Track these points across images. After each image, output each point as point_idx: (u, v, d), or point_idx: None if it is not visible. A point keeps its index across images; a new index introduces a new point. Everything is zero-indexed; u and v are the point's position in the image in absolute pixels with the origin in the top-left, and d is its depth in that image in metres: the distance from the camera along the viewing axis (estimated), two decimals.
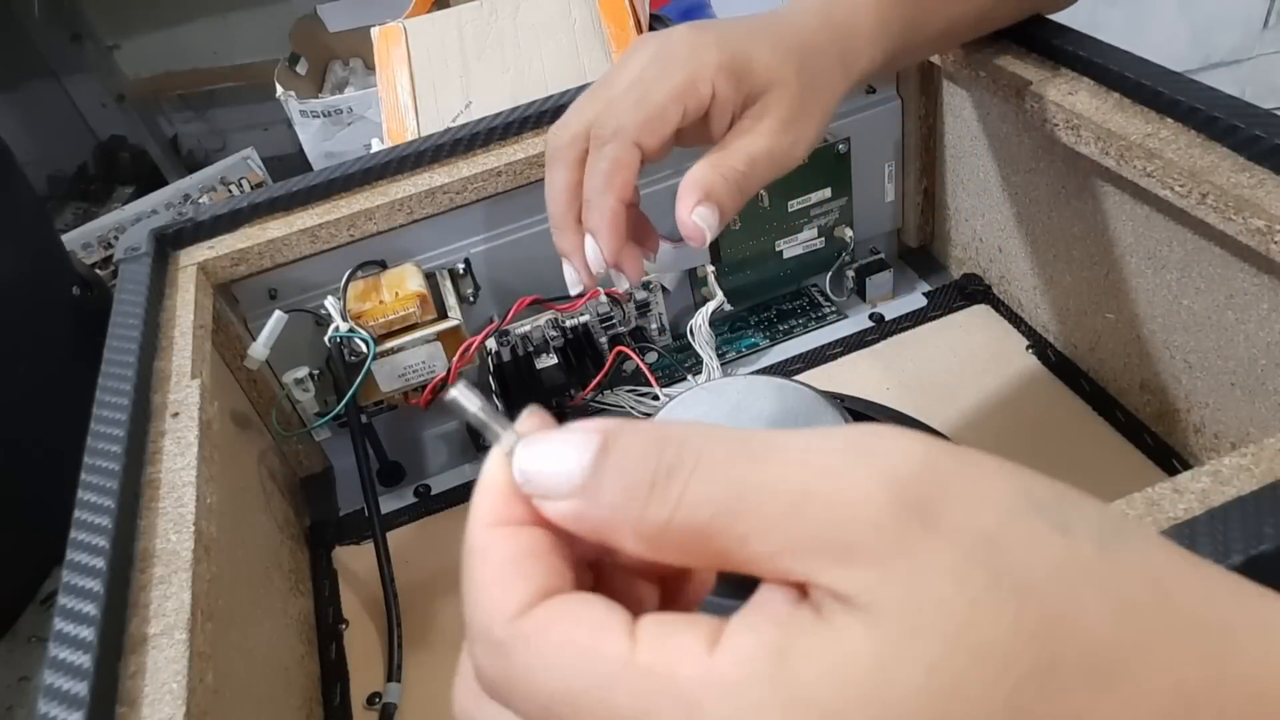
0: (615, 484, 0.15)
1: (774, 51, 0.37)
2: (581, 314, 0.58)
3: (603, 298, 0.57)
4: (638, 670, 0.14)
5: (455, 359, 0.53)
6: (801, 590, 0.14)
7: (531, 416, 0.18)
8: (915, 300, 0.63)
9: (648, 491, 0.15)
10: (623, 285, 0.37)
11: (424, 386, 0.53)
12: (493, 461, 0.17)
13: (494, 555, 0.17)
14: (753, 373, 0.59)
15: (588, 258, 0.37)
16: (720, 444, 0.15)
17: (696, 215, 0.35)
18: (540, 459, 0.16)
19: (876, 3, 0.40)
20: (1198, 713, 0.12)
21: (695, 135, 0.38)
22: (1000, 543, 0.13)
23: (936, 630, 0.13)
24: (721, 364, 0.60)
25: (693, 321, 0.59)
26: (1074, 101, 0.45)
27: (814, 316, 0.64)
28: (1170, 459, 0.48)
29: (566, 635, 0.15)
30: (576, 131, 0.37)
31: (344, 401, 0.51)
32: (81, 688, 0.28)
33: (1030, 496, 0.14)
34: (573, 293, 0.39)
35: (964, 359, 0.57)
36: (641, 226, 0.38)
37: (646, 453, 0.15)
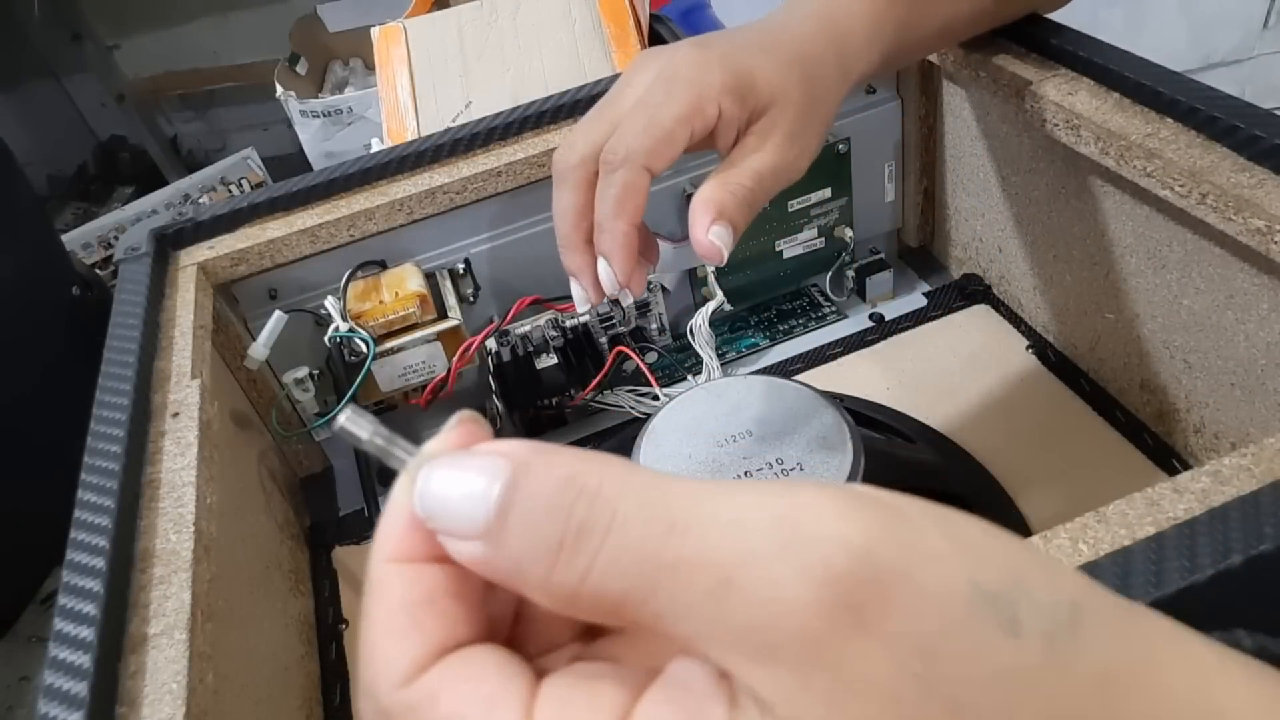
0: (521, 537, 0.14)
1: (776, 66, 0.37)
2: (581, 314, 0.58)
3: None
4: None
5: (455, 359, 0.53)
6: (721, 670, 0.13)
7: (450, 433, 0.16)
8: (915, 300, 0.63)
9: (555, 553, 0.14)
10: (628, 301, 0.37)
11: (424, 386, 0.53)
12: (398, 487, 0.16)
13: (388, 599, 0.15)
14: (753, 373, 0.59)
15: (601, 279, 0.37)
16: (637, 503, 0.13)
17: (713, 235, 0.36)
18: (444, 490, 0.15)
19: (872, 5, 0.40)
20: None
21: (700, 146, 0.38)
22: (938, 652, 0.12)
23: None
24: (721, 364, 0.60)
25: (693, 321, 0.59)
26: (1074, 101, 0.45)
27: (814, 316, 0.64)
28: (1170, 459, 0.48)
29: (456, 709, 0.14)
30: (584, 154, 0.37)
31: (344, 401, 0.51)
32: (81, 688, 0.28)
33: (980, 589, 0.12)
34: (580, 309, 0.40)
35: (964, 359, 0.57)
36: (645, 240, 0.39)
37: (557, 504, 0.14)
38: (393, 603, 0.15)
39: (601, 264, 0.37)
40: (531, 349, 0.57)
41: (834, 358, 0.60)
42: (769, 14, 0.41)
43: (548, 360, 0.57)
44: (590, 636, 0.17)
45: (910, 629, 0.11)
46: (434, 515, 0.15)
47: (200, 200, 1.01)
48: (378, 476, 0.57)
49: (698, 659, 0.13)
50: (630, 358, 0.58)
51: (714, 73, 0.36)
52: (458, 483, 0.15)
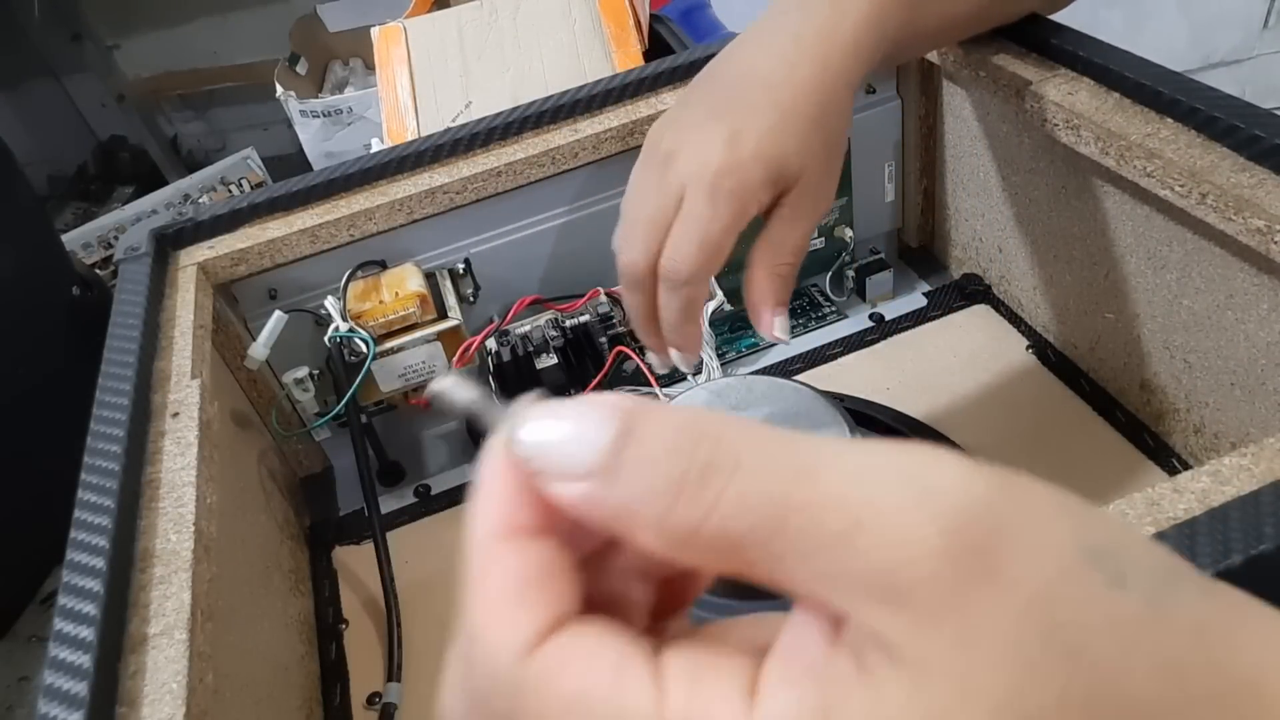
0: (639, 474, 0.14)
1: (800, 140, 0.39)
2: (581, 314, 0.58)
3: (602, 298, 0.57)
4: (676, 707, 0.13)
5: (455, 359, 0.53)
6: (836, 622, 0.13)
7: (533, 404, 0.16)
8: (915, 300, 0.63)
9: (676, 491, 0.14)
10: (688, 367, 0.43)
11: (424, 386, 0.53)
12: (492, 456, 0.15)
13: (497, 578, 0.15)
14: (753, 373, 0.59)
15: (674, 360, 0.42)
16: (762, 448, 0.14)
17: (778, 329, 0.40)
18: (550, 431, 0.15)
19: (871, 8, 0.40)
20: None
21: None
22: (1056, 599, 0.12)
23: (986, 696, 0.12)
24: (721, 364, 0.60)
25: None
26: (1074, 101, 0.45)
27: (814, 316, 0.64)
28: (1170, 459, 0.48)
29: (584, 682, 0.14)
30: (646, 265, 0.39)
31: (344, 401, 0.51)
32: (81, 688, 0.28)
33: (1087, 543, 0.13)
34: (662, 373, 0.49)
35: (964, 359, 0.57)
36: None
37: (678, 446, 0.14)
38: (503, 582, 0.15)
39: (673, 352, 0.42)
40: (531, 349, 0.57)
41: (834, 358, 0.60)
42: (754, 57, 0.41)
43: (548, 360, 0.57)
44: (659, 606, 0.17)
45: (1030, 577, 0.12)
46: (542, 454, 0.15)
47: (200, 200, 1.01)
48: (378, 477, 0.57)
49: (809, 618, 0.14)
50: (630, 358, 0.57)
51: (753, 173, 0.38)
52: (566, 424, 0.14)
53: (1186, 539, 0.26)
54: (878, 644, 0.12)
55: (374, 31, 0.76)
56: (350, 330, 0.50)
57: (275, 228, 0.51)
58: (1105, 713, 0.12)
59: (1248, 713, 0.12)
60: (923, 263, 0.67)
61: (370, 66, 1.07)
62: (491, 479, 0.16)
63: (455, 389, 0.17)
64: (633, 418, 0.14)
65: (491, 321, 0.55)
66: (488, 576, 0.15)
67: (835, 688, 0.13)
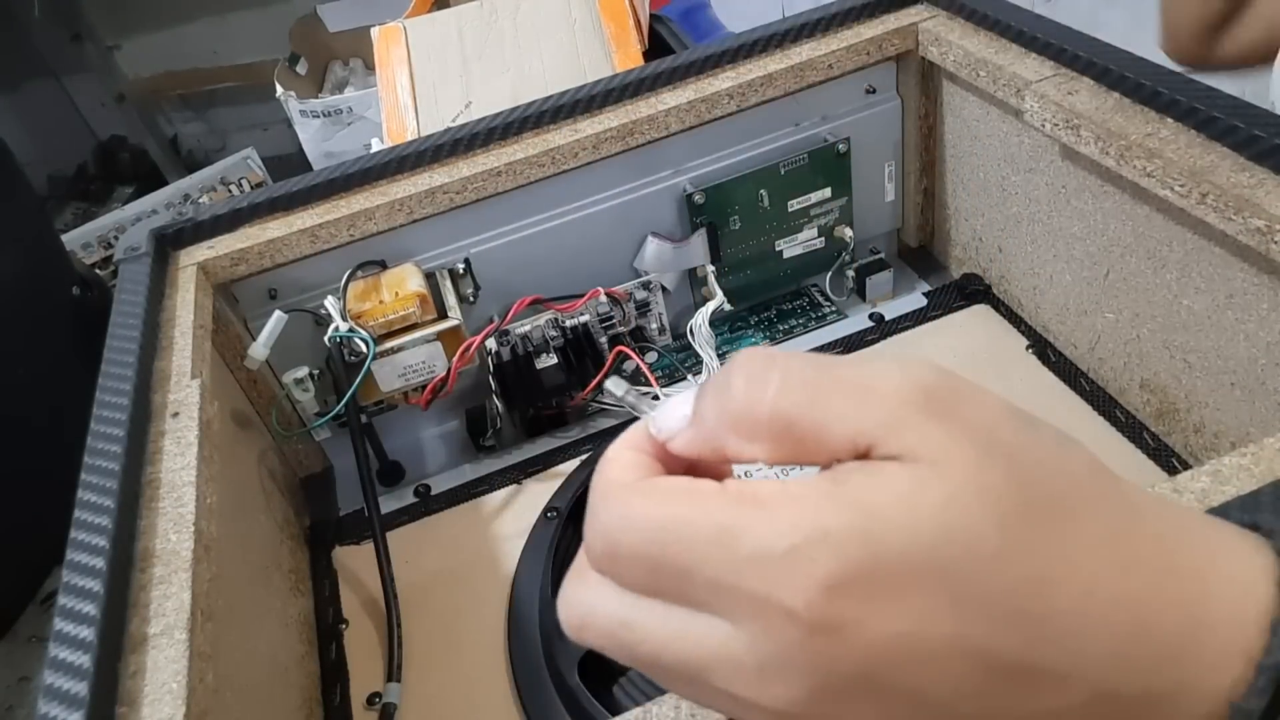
0: (713, 404, 0.20)
1: None
2: (581, 314, 0.58)
3: (602, 298, 0.57)
4: (728, 492, 0.19)
5: (455, 359, 0.53)
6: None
7: (664, 400, 0.23)
8: (915, 300, 0.63)
9: (741, 411, 0.20)
10: None
11: (424, 386, 0.53)
12: (635, 427, 0.22)
13: (624, 456, 0.21)
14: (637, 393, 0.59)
15: None
16: (792, 361, 0.20)
17: None
18: (663, 412, 0.22)
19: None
20: (1121, 542, 0.18)
21: None
22: (994, 428, 0.19)
23: (955, 475, 0.18)
24: (721, 364, 0.60)
25: (693, 321, 0.59)
26: (1074, 101, 0.45)
27: (814, 316, 0.64)
28: (1170, 459, 0.48)
29: (673, 483, 0.20)
30: None
31: (344, 401, 0.51)
32: (81, 688, 0.28)
33: (1011, 408, 0.20)
34: None
35: (964, 359, 0.57)
36: None
37: (745, 367, 0.20)
38: (628, 458, 0.21)
39: None
40: (531, 349, 0.57)
41: None
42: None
43: (548, 360, 0.57)
44: None
45: (976, 416, 0.19)
46: (660, 428, 0.21)
47: (200, 200, 1.01)
48: (378, 477, 0.57)
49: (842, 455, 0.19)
50: (630, 358, 0.58)
51: None
52: (672, 404, 0.22)
53: None
54: (886, 457, 0.18)
55: (374, 31, 0.76)
56: (350, 330, 0.50)
57: (275, 228, 0.51)
58: (1031, 494, 0.18)
59: (1126, 506, 0.19)
60: (923, 263, 0.67)
61: (370, 66, 1.07)
62: (630, 432, 0.22)
63: (613, 386, 0.25)
64: (704, 385, 0.21)
65: (491, 321, 0.55)
66: (617, 457, 0.21)
67: (849, 467, 0.19)
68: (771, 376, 0.20)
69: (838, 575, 0.17)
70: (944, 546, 0.17)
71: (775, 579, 0.17)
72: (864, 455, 0.19)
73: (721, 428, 0.20)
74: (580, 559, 0.21)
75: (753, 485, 0.19)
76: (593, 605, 0.20)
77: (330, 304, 0.51)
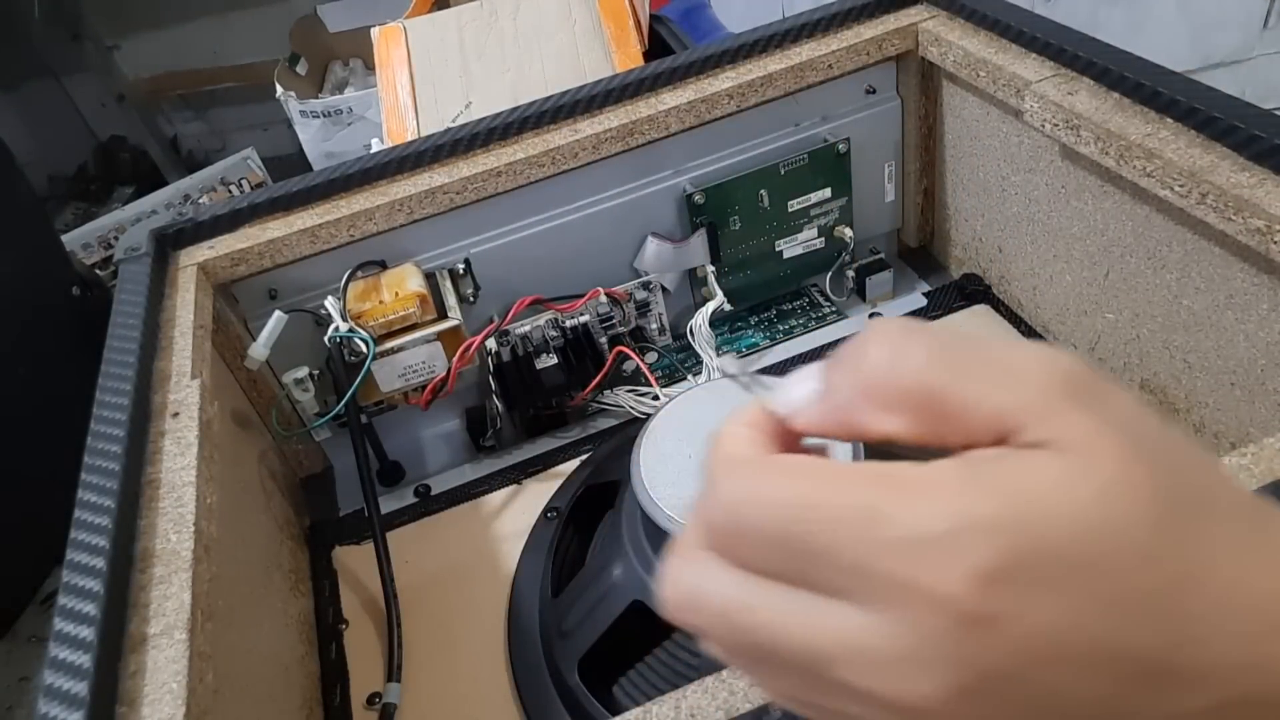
0: (848, 375, 0.20)
1: None
2: (581, 314, 0.58)
3: (602, 298, 0.57)
4: (867, 472, 0.18)
5: (455, 359, 0.53)
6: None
7: (784, 379, 0.22)
8: (915, 300, 0.63)
9: (887, 365, 0.19)
10: None
11: (424, 386, 0.53)
12: (749, 407, 0.21)
13: (741, 432, 0.21)
14: (753, 373, 0.59)
15: None
16: (932, 329, 0.20)
17: None
18: (786, 389, 0.21)
19: None
20: (1259, 543, 0.18)
21: None
22: (1137, 423, 0.18)
23: (1107, 468, 0.17)
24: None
25: (693, 321, 0.59)
26: (1074, 101, 0.45)
27: (814, 317, 0.64)
28: None
29: (804, 460, 0.19)
30: None
31: (344, 401, 0.51)
32: (81, 688, 0.28)
33: (1145, 404, 0.19)
34: None
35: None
36: None
37: (884, 336, 0.19)
38: (748, 433, 0.21)
39: None
40: (531, 349, 0.57)
41: None
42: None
43: (548, 360, 0.57)
44: None
45: (1120, 410, 0.18)
46: (788, 403, 0.21)
47: (200, 200, 1.01)
48: (378, 477, 0.57)
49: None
50: (630, 358, 0.58)
51: None
52: (798, 380, 0.21)
53: None
54: (1027, 444, 0.18)
55: (374, 32, 0.76)
56: (350, 330, 0.50)
57: (275, 228, 0.51)
58: (1176, 491, 0.17)
59: (1239, 490, 0.19)
60: (923, 263, 0.67)
61: (370, 66, 1.07)
62: (744, 413, 0.21)
63: (728, 367, 0.24)
64: (830, 363, 0.20)
65: (491, 321, 0.55)
66: (735, 432, 0.21)
67: (989, 452, 0.18)
68: (916, 347, 0.19)
69: (995, 564, 0.16)
70: (1099, 541, 0.17)
71: (928, 564, 0.17)
72: (1002, 439, 0.18)
73: (857, 399, 0.19)
74: (687, 537, 0.20)
75: (891, 467, 0.18)
76: (703, 585, 0.19)
77: (330, 304, 0.51)
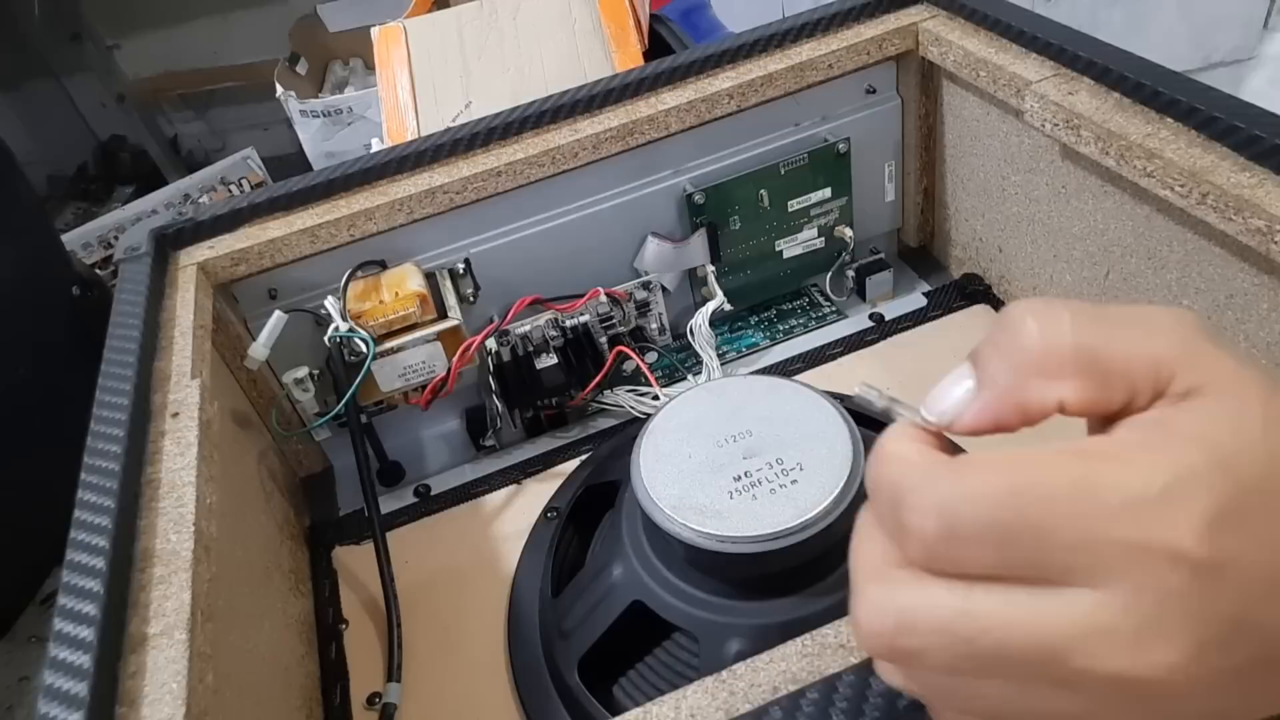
0: (1004, 359, 0.20)
1: None
2: (581, 314, 0.58)
3: (602, 298, 0.57)
4: (1065, 451, 0.18)
5: (455, 359, 0.53)
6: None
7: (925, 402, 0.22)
8: (915, 300, 0.63)
9: (1041, 336, 0.19)
10: None
11: (424, 386, 0.53)
12: (897, 424, 0.22)
13: (906, 446, 0.20)
14: (753, 373, 0.59)
15: None
16: (1066, 300, 0.20)
17: None
18: (936, 398, 0.21)
19: None
20: None
21: None
22: (1253, 359, 0.20)
23: (1260, 400, 0.18)
24: (721, 364, 0.60)
25: (693, 321, 0.59)
26: (1074, 101, 0.45)
27: (814, 316, 0.64)
28: None
29: (996, 455, 0.19)
30: None
31: (344, 401, 0.51)
32: (81, 688, 0.28)
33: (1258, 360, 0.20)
34: None
35: (964, 359, 0.57)
36: None
37: (1028, 312, 0.20)
38: (909, 446, 0.21)
39: None
40: (531, 349, 0.57)
41: (834, 358, 0.60)
42: None
43: (548, 360, 0.57)
44: None
45: (1238, 348, 0.19)
46: (942, 411, 0.21)
47: (200, 200, 1.01)
48: (378, 477, 0.57)
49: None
50: (630, 358, 0.57)
51: None
52: (945, 386, 0.21)
53: None
54: (1182, 394, 0.18)
55: (374, 31, 0.76)
56: (350, 330, 0.50)
57: (275, 228, 0.51)
58: None
59: None
60: (923, 263, 0.67)
61: (370, 66, 1.07)
62: (891, 435, 0.21)
63: (866, 394, 0.24)
64: (977, 357, 0.21)
65: (491, 321, 0.55)
66: (904, 450, 0.21)
67: (1165, 411, 0.18)
68: (1062, 313, 0.19)
69: (1216, 509, 0.17)
70: None
71: (1155, 522, 0.17)
72: (1160, 390, 0.18)
73: (1020, 378, 0.19)
74: (873, 561, 0.20)
75: (1085, 442, 0.19)
76: (913, 603, 0.18)
77: (330, 304, 0.51)
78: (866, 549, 0.20)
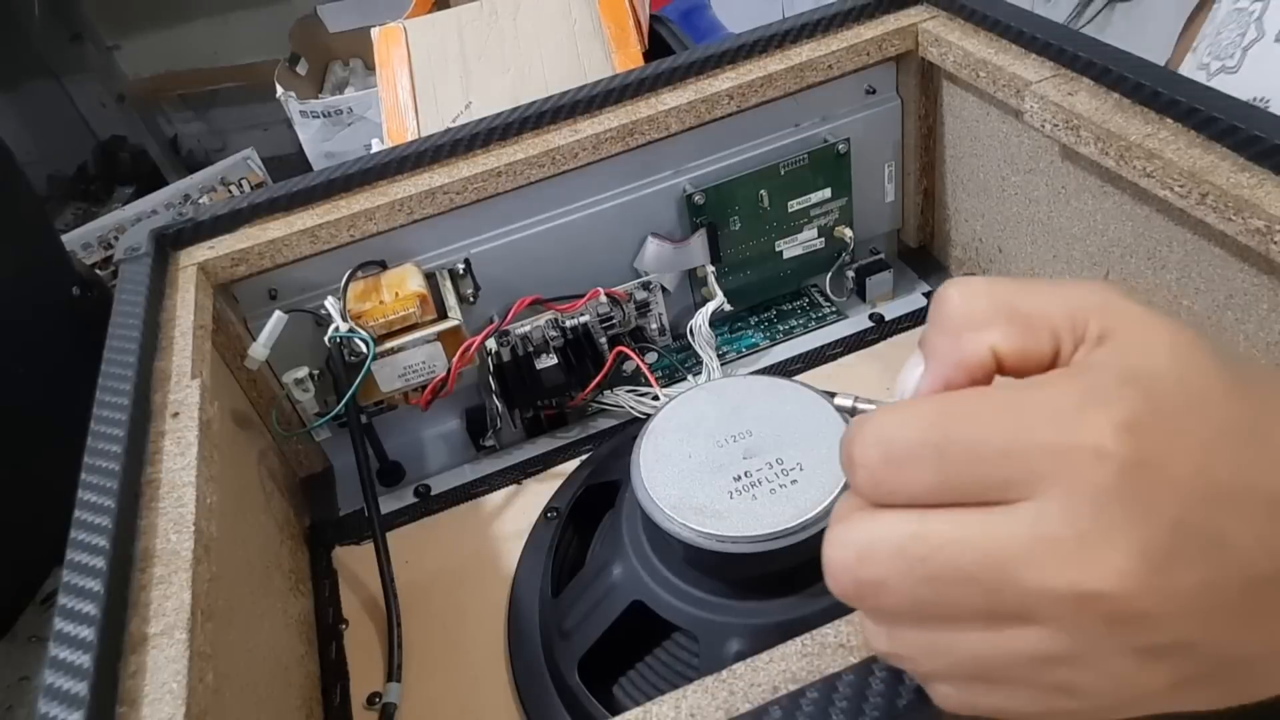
0: (934, 329, 0.22)
1: None
2: (581, 314, 0.58)
3: (602, 298, 0.57)
4: (993, 384, 0.20)
5: (455, 359, 0.53)
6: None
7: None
8: (915, 300, 0.63)
9: (962, 298, 0.21)
10: None
11: (424, 386, 0.53)
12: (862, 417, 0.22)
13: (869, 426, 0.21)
14: (753, 373, 0.59)
15: None
16: (995, 277, 0.22)
17: None
18: (900, 383, 0.23)
19: None
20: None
21: None
22: (1165, 310, 0.22)
23: (1169, 334, 0.19)
24: (721, 364, 0.60)
25: (693, 321, 0.59)
26: (1074, 101, 0.45)
27: (814, 316, 0.64)
28: None
29: (931, 396, 0.21)
30: None
31: (344, 401, 0.51)
32: (81, 688, 0.28)
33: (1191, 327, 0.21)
34: None
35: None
36: None
37: (950, 287, 0.22)
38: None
39: None
40: (531, 349, 0.57)
41: (834, 358, 0.60)
42: None
43: (548, 360, 0.57)
44: None
45: (1151, 304, 0.20)
46: (904, 390, 0.22)
47: (200, 200, 1.01)
48: (378, 477, 0.57)
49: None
50: (630, 358, 0.58)
51: None
52: (904, 374, 0.23)
53: None
54: (1101, 336, 0.20)
55: (374, 32, 0.76)
56: (350, 330, 0.50)
57: (275, 228, 0.51)
58: (1213, 345, 0.20)
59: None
60: (923, 263, 0.67)
61: (370, 66, 1.07)
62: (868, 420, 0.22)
63: (840, 401, 0.26)
64: (919, 344, 0.23)
65: (491, 321, 0.55)
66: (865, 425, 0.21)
67: (1099, 350, 0.20)
68: (978, 281, 0.21)
69: (1130, 412, 0.18)
70: (1193, 381, 0.19)
71: (1075, 425, 0.18)
72: (1079, 339, 0.20)
73: (952, 338, 0.21)
74: (838, 510, 0.21)
75: (1009, 380, 0.20)
76: (870, 533, 0.20)
77: (330, 304, 0.51)
78: (837, 507, 0.21)
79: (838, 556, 0.20)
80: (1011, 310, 0.21)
